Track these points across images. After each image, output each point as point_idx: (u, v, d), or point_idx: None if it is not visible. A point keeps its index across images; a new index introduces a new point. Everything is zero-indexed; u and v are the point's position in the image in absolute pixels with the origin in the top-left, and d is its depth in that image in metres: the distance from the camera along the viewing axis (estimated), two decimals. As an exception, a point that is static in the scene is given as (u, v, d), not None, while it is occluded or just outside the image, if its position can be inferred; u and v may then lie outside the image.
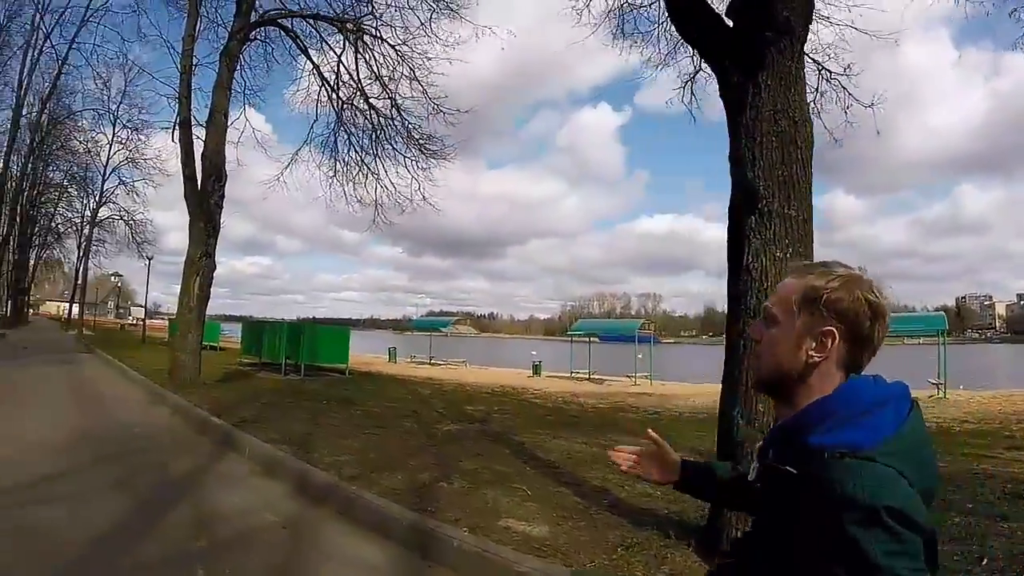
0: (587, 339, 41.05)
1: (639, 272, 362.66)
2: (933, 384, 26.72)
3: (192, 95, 20.26)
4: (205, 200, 18.75)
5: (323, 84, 23.30)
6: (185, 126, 19.63)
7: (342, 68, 22.93)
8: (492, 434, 12.37)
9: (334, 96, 23.34)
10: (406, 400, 17.93)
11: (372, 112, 23.19)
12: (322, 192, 24.20)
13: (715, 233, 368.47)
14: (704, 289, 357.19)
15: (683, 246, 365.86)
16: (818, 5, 10.93)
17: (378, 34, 21.73)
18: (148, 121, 51.70)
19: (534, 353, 58.54)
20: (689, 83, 16.14)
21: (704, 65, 13.88)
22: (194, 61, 20.31)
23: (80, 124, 54.08)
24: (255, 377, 22.12)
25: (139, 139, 53.55)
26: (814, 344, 1.65)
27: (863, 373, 1.67)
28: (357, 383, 22.25)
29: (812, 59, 14.72)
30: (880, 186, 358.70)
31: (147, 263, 50.47)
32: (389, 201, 23.77)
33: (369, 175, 23.86)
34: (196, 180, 19.08)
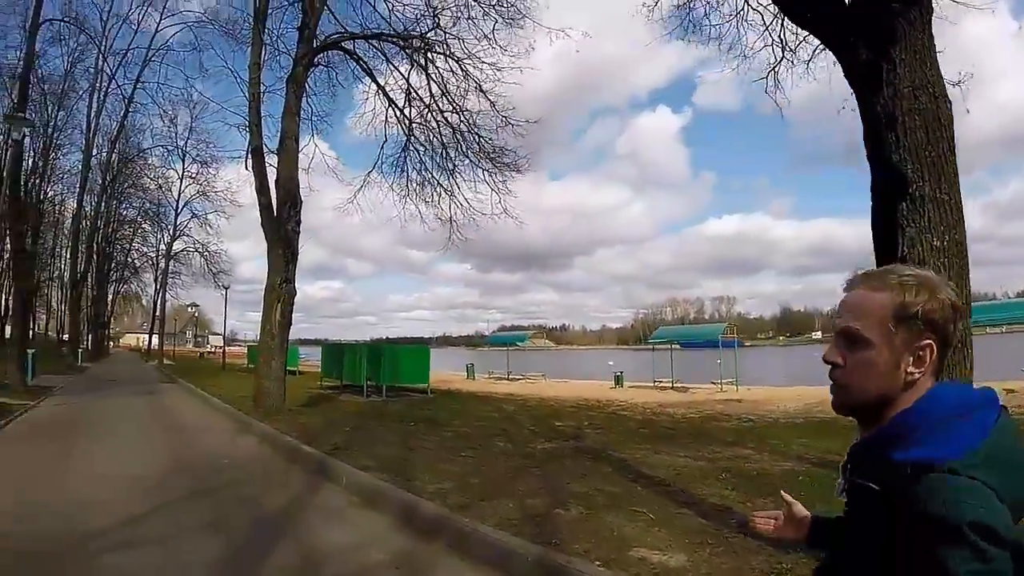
0: (668, 346, 39.88)
1: (710, 275, 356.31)
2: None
3: (262, 123, 20.23)
4: (282, 227, 18.59)
5: (390, 104, 23.16)
6: (257, 154, 19.56)
7: (408, 86, 22.79)
8: (590, 451, 11.84)
9: (401, 115, 23.19)
10: (492, 418, 17.49)
11: (441, 128, 22.94)
12: (395, 212, 24.11)
13: (784, 231, 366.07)
14: (777, 289, 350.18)
15: (753, 246, 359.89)
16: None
17: (443, 49, 21.47)
18: (216, 154, 52.98)
19: (611, 363, 57.49)
20: (772, 73, 15.63)
21: (788, 53, 13.67)
22: (261, 89, 20.30)
23: (150, 161, 55.80)
24: (338, 400, 21.92)
25: (208, 172, 55.12)
26: (912, 360, 1.55)
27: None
28: (440, 402, 21.92)
29: None
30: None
31: (224, 292, 51.25)
32: (464, 217, 23.52)
33: (442, 193, 23.62)
34: (272, 207, 18.97)
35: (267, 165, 19.48)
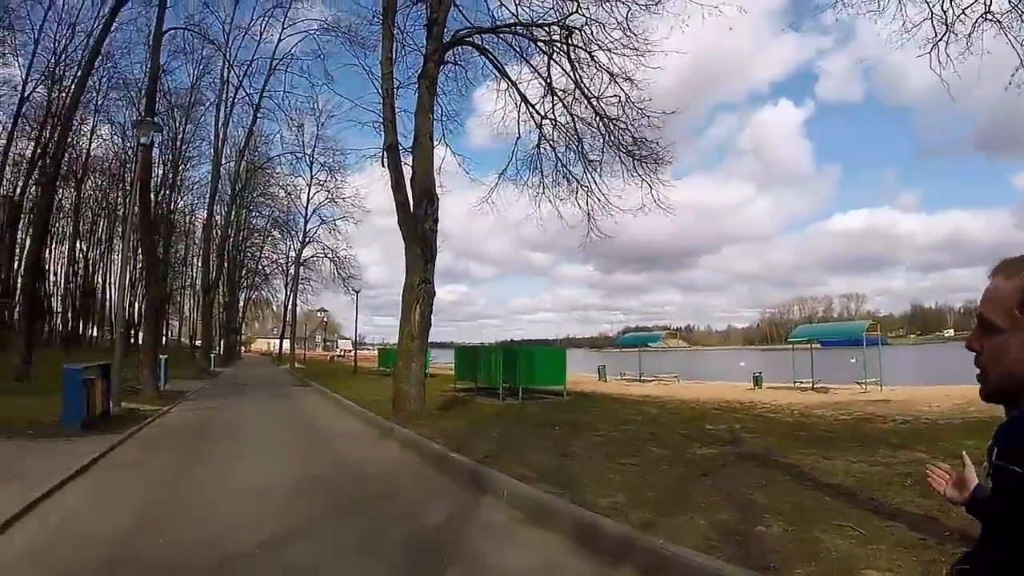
0: (808, 345, 38.28)
1: (836, 273, 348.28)
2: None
3: (396, 120, 19.70)
4: (419, 225, 18.05)
5: (522, 100, 22.57)
6: (392, 150, 19.08)
7: (542, 80, 22.21)
8: (754, 457, 11.06)
9: (533, 111, 22.59)
10: (637, 421, 16.63)
11: (576, 123, 22.30)
12: (529, 212, 23.58)
13: (912, 225, 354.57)
14: (906, 286, 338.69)
15: (880, 242, 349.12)
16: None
17: (578, 39, 20.69)
18: (343, 160, 53.71)
19: (742, 364, 55.89)
20: (934, 48, 14.90)
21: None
22: (394, 85, 19.83)
23: (278, 170, 57.45)
24: (474, 403, 21.41)
25: (336, 179, 56.76)
26: None
27: None
28: (579, 405, 21.12)
29: None
30: None
31: (355, 296, 51.78)
32: (602, 213, 22.80)
33: (579, 188, 22.94)
34: (408, 205, 18.46)
35: (402, 164, 19.03)
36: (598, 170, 22.55)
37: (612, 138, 21.77)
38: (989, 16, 15.04)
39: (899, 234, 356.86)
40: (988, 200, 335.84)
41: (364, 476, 10.50)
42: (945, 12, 15.32)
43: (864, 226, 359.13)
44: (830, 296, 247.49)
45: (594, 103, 21.48)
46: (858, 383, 31.46)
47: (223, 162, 48.33)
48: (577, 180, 22.83)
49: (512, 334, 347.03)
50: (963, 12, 15.18)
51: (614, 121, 21.45)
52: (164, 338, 70.03)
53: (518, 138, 22.98)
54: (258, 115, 47.21)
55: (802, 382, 33.48)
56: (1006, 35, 15.04)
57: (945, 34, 15.35)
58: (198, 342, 58.46)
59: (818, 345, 38.31)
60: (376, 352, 64.57)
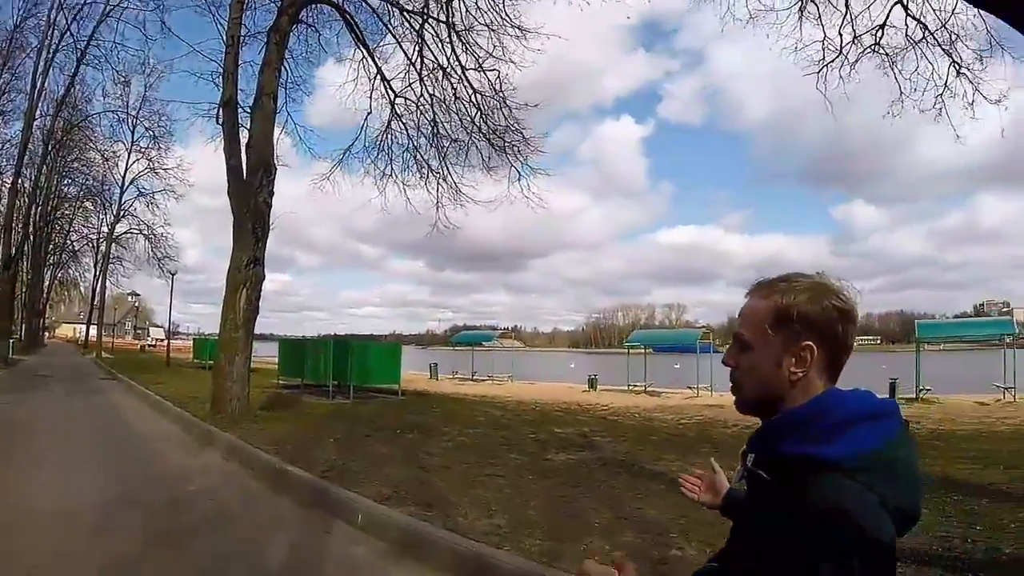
0: (642, 350, 38.78)
1: (661, 283, 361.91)
2: (999, 387, 26.58)
3: (238, 75, 17.60)
4: (252, 197, 15.98)
5: (378, 74, 21.07)
6: (230, 107, 16.98)
7: (403, 54, 20.88)
8: (618, 464, 10.77)
9: (388, 88, 21.17)
10: (483, 424, 15.78)
11: (434, 104, 21.02)
12: (375, 195, 22.08)
13: (735, 244, 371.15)
14: (725, 299, 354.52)
15: (705, 257, 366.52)
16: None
17: (452, 18, 19.43)
18: (169, 126, 49.16)
19: (572, 366, 56.02)
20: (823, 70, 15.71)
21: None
22: (241, 31, 17.77)
23: (97, 132, 50.68)
24: (302, 403, 19.51)
25: (160, 147, 51.32)
26: (794, 361, 1.59)
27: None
28: (417, 406, 19.88)
29: (943, 49, 14.56)
30: (900, 196, 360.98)
31: (170, 279, 47.45)
32: (453, 203, 21.77)
33: (429, 174, 21.71)
34: (241, 170, 16.34)
35: (239, 125, 17.07)
36: (455, 157, 21.49)
37: (475, 124, 20.70)
38: (878, 49, 15.29)
39: (722, 251, 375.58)
40: (808, 227, 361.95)
41: (186, 496, 8.68)
42: (840, 36, 15.40)
43: (691, 241, 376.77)
44: (653, 304, 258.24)
45: (462, 85, 20.41)
46: (690, 388, 32.25)
47: (37, 117, 42.23)
48: (429, 165, 21.65)
49: (338, 328, 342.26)
50: (856, 39, 15.30)
51: (481, 105, 20.40)
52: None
53: (368, 113, 21.47)
54: (82, 64, 41.12)
55: (635, 385, 33.93)
56: (892, 67, 15.36)
57: (836, 58, 15.47)
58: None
59: (651, 350, 38.34)
60: (191, 343, 60.74)
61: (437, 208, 21.58)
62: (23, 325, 65.91)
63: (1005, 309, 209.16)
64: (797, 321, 1.57)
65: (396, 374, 23.90)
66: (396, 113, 21.20)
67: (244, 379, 15.80)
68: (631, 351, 39.25)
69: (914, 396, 25.55)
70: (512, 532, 6.36)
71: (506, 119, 20.33)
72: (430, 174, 21.55)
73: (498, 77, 19.76)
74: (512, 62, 19.40)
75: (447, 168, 21.34)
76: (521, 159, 20.86)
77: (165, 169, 51.69)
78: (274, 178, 16.52)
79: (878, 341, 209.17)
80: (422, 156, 21.57)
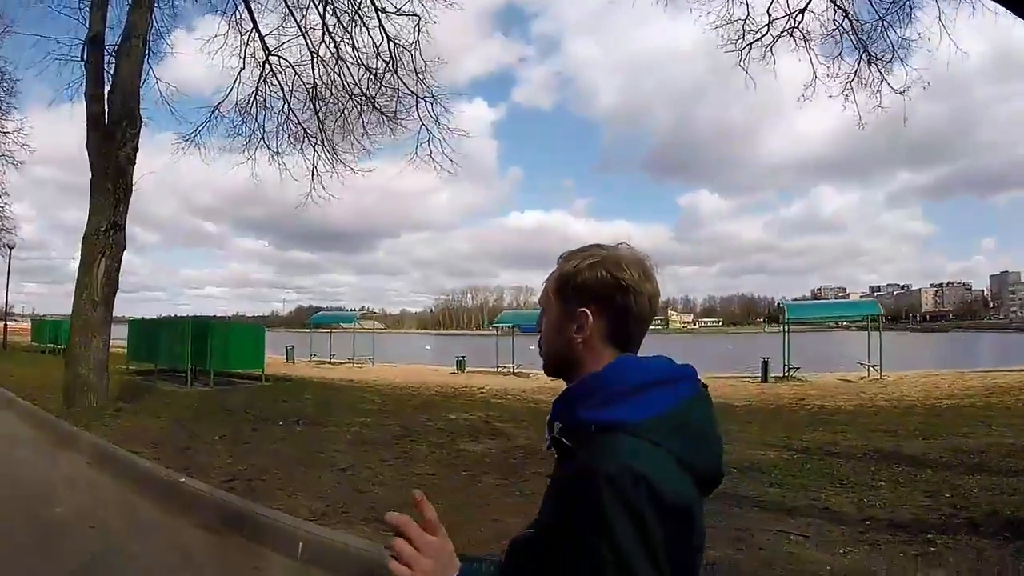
0: (511, 330, 37.85)
1: (507, 266, 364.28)
2: (863, 365, 27.11)
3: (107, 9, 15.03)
4: (114, 151, 13.53)
5: (253, 27, 18.79)
6: (96, 45, 14.50)
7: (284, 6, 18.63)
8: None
9: (262, 42, 18.91)
10: (369, 412, 14.39)
11: (315, 63, 18.99)
12: (244, 160, 19.84)
13: (582, 229, 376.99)
14: None
15: (551, 241, 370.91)
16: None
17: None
18: (12, 84, 44.33)
19: (428, 348, 54.88)
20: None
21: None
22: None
23: None
24: (161, 390, 17.37)
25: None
26: (575, 327, 1.56)
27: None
28: (287, 392, 18.27)
29: (857, 37, 15.06)
30: (743, 187, 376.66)
31: (8, 253, 42.64)
32: (330, 170, 19.85)
33: (305, 138, 19.70)
34: (104, 120, 13.85)
35: (104, 69, 14.54)
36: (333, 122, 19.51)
37: (358, 86, 18.94)
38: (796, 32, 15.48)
39: (569, 236, 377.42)
40: (652, 215, 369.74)
41: (55, 523, 6.38)
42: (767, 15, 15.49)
43: (537, 225, 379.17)
44: (502, 287, 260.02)
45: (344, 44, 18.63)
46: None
47: None
48: (305, 129, 19.59)
49: (178, 310, 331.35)
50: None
51: (372, 67, 18.68)
52: None
53: (241, 69, 19.03)
54: None
55: (503, 366, 32.91)
56: (808, 49, 15.62)
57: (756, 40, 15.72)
58: None
59: (519, 330, 37.17)
60: (28, 325, 55.83)
61: (314, 175, 19.62)
62: None
63: (842, 294, 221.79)
64: (573, 288, 1.56)
65: (260, 358, 22.22)
66: (273, 70, 19.08)
67: (103, 366, 13.44)
68: (500, 331, 38.22)
69: (783, 375, 25.88)
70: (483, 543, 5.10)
71: (393, 83, 18.78)
72: (306, 139, 19.61)
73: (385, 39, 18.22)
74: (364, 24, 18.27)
75: (323, 133, 19.36)
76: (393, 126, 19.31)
77: (4, 133, 46.12)
78: (139, 132, 14.06)
79: (719, 323, 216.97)
80: (296, 118, 19.52)
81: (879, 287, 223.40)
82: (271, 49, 18.94)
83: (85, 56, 14.87)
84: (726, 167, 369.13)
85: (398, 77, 18.61)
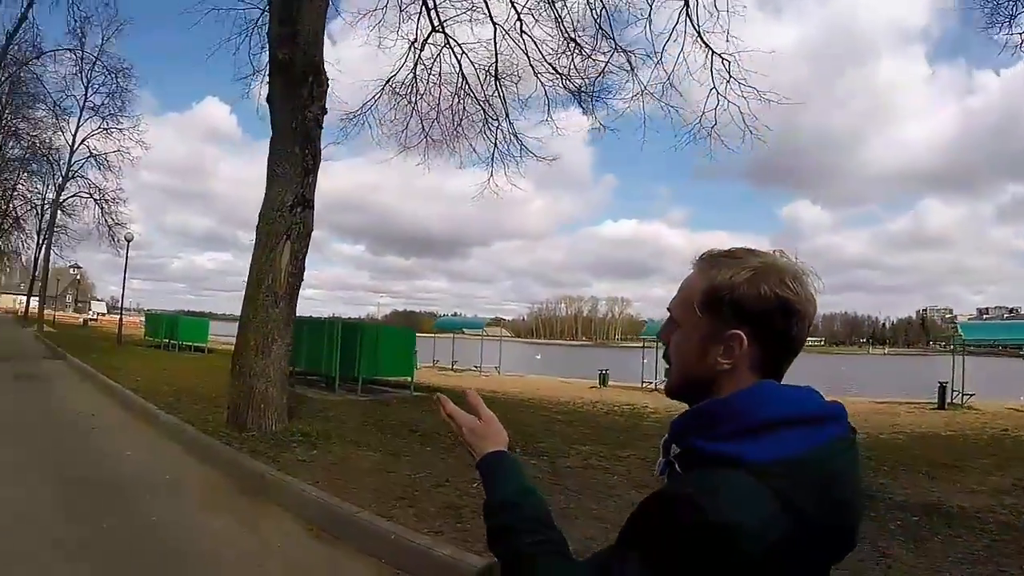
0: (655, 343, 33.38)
1: (600, 276, 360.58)
2: None
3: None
4: (299, 111, 10.51)
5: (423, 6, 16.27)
6: None
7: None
8: (907, 505, 7.68)
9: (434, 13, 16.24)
10: (583, 437, 11.75)
11: (497, 35, 16.35)
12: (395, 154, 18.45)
13: (677, 239, 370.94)
14: (665, 294, 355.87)
15: (646, 251, 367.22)
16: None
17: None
18: (130, 70, 43.36)
19: (538, 357, 52.39)
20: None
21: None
22: None
23: (49, 73, 44.32)
24: (315, 401, 14.14)
25: (116, 104, 44.93)
26: (721, 349, 1.34)
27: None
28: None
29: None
30: (847, 198, 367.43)
31: (124, 247, 41.09)
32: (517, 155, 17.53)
33: (487, 121, 17.29)
34: (293, 70, 10.62)
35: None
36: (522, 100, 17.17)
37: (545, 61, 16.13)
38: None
39: (664, 247, 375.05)
40: (751, 225, 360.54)
41: None
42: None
43: (632, 235, 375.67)
44: (596, 297, 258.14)
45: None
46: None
47: None
48: (485, 110, 17.04)
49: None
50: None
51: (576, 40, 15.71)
52: None
53: (414, 41, 16.45)
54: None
55: (648, 382, 29.40)
56: None
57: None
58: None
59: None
60: (139, 318, 54.46)
61: (492, 162, 16.87)
62: None
63: (948, 316, 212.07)
64: (728, 305, 1.33)
65: (410, 365, 19.38)
66: (449, 44, 16.41)
67: (284, 378, 10.43)
68: (646, 344, 33.58)
69: (953, 401, 22.83)
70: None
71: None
72: (487, 121, 16.72)
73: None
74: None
75: (505, 114, 16.70)
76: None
77: (120, 129, 45.43)
78: (325, 91, 10.97)
79: (821, 342, 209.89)
80: (475, 96, 16.82)
81: (986, 309, 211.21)
82: (438, 23, 16.31)
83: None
84: (829, 177, 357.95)
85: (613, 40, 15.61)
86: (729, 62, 14.11)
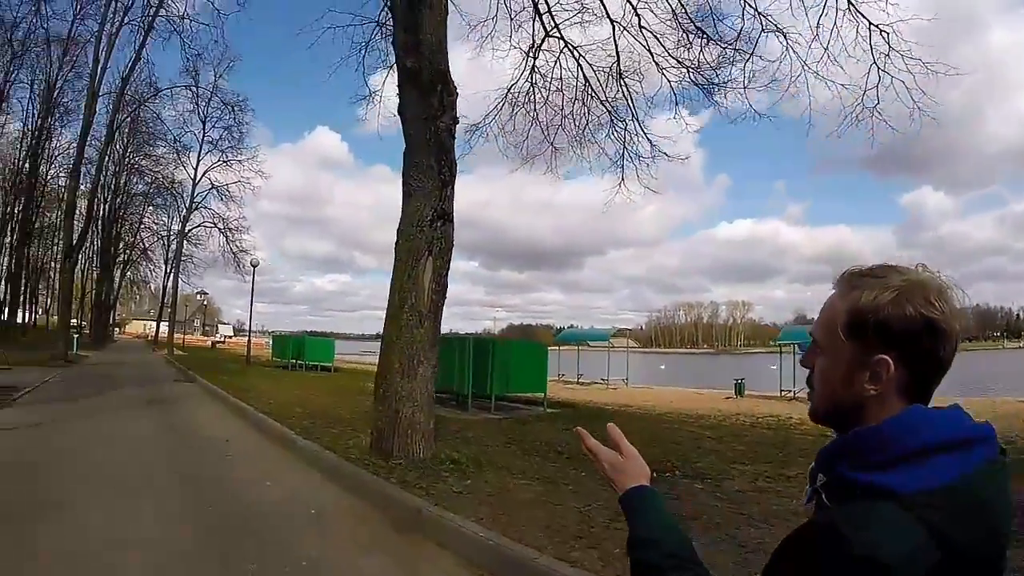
0: (792, 348, 31.05)
1: (718, 280, 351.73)
2: None
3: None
4: (431, 122, 9.85)
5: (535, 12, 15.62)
6: None
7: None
8: None
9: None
10: (738, 456, 10.72)
11: (616, 31, 15.47)
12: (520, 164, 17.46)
13: (796, 237, 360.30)
14: (787, 296, 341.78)
15: (764, 251, 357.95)
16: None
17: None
18: (246, 105, 46.69)
19: (663, 367, 51.29)
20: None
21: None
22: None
23: (165, 124, 47.84)
24: (450, 420, 13.52)
25: (233, 135, 48.40)
26: (867, 375, 1.25)
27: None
28: (586, 422, 13.90)
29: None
30: (968, 181, 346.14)
31: (249, 271, 42.53)
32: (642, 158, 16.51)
33: (613, 122, 16.42)
34: (422, 77, 9.95)
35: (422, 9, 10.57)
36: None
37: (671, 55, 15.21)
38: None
39: (783, 245, 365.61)
40: (872, 217, 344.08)
41: None
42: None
43: (749, 236, 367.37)
44: (716, 302, 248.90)
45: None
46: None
47: (102, 90, 36.12)
48: (610, 111, 16.10)
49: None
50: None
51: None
52: (31, 318, 60.55)
53: (530, 48, 15.76)
54: (150, 35, 34.84)
55: (787, 391, 27.76)
56: None
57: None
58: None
59: (799, 348, 32.02)
60: (265, 340, 55.78)
61: (622, 165, 15.84)
62: (91, 318, 63.87)
63: None
64: (873, 329, 1.24)
65: (543, 381, 18.41)
66: (566, 47, 15.69)
67: (431, 401, 9.68)
68: (783, 350, 32.07)
69: None
70: None
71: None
72: (614, 122, 15.84)
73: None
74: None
75: (632, 112, 15.79)
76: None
77: (239, 161, 48.63)
78: (455, 100, 10.24)
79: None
80: (598, 97, 16.00)
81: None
82: (552, 26, 15.64)
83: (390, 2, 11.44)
84: (949, 159, 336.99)
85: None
86: (888, 33, 13.01)
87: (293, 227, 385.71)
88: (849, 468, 1.21)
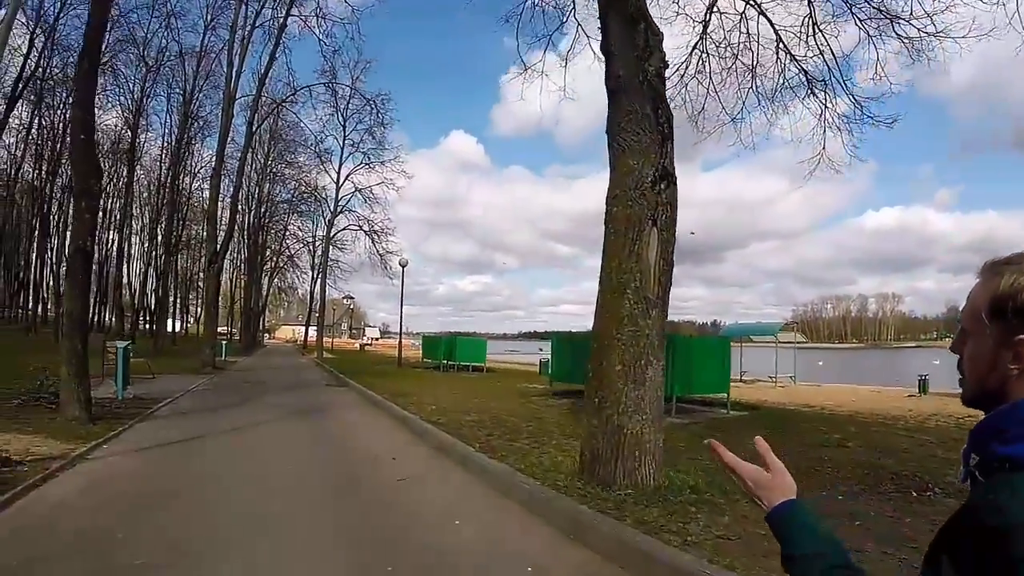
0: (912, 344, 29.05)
1: (866, 271, 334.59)
2: None
3: None
4: (640, 68, 7.93)
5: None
6: None
7: None
8: None
9: None
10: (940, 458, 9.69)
11: None
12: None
13: (945, 225, 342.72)
14: (936, 287, 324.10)
15: (912, 241, 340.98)
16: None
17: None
18: (388, 99, 44.43)
19: (820, 363, 51.12)
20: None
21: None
22: None
23: (305, 136, 49.30)
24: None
25: (375, 135, 47.05)
26: (1011, 356, 1.24)
27: None
28: (779, 425, 13.33)
29: None
30: None
31: (400, 271, 40.51)
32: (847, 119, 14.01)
33: (810, 84, 14.04)
34: (625, 9, 8.12)
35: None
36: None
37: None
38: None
39: (932, 233, 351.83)
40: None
41: None
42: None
43: (896, 224, 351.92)
44: (864, 295, 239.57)
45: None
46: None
47: (238, 94, 35.31)
48: (806, 73, 13.84)
49: (535, 325, 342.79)
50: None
51: None
52: (179, 325, 62.50)
53: (710, 5, 13.70)
54: (282, 38, 34.07)
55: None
56: None
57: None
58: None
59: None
60: (413, 341, 55.55)
61: (823, 127, 13.91)
62: (241, 327, 65.05)
63: None
64: (1012, 311, 1.23)
65: (725, 380, 16.38)
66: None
67: (661, 415, 7.63)
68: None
69: None
70: None
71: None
72: (811, 84, 13.75)
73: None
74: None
75: (829, 69, 13.57)
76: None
77: (381, 162, 47.44)
78: (661, 40, 8.23)
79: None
80: (791, 55, 13.72)
81: None
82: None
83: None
84: None
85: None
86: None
87: (434, 230, 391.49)
88: (999, 444, 1.18)
